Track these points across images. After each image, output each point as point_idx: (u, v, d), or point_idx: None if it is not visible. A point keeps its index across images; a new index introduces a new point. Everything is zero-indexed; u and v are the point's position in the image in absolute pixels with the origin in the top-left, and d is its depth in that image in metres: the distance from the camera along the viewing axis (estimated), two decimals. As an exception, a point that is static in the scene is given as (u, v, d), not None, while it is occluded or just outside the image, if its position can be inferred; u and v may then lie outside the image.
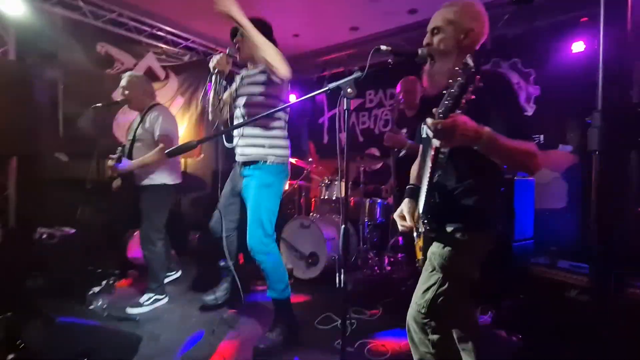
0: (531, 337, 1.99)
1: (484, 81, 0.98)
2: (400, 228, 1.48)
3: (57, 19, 3.38)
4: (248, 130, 2.05)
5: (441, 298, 1.29)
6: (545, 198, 3.35)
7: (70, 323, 1.95)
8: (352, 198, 3.80)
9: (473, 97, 0.99)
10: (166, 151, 1.37)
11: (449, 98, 1.01)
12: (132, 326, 2.23)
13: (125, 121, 3.88)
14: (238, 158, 2.15)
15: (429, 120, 1.03)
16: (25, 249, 2.76)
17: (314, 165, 4.05)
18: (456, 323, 1.46)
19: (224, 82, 2.05)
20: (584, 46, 3.10)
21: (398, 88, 2.83)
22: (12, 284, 2.35)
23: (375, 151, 4.12)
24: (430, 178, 1.19)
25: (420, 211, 1.31)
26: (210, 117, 2.08)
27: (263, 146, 2.02)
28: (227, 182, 2.31)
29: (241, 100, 2.08)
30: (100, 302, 2.47)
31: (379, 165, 4.07)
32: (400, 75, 2.83)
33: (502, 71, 1.27)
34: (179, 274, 3.14)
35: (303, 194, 4.15)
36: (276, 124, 2.07)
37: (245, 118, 2.04)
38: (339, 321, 2.31)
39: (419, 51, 1.28)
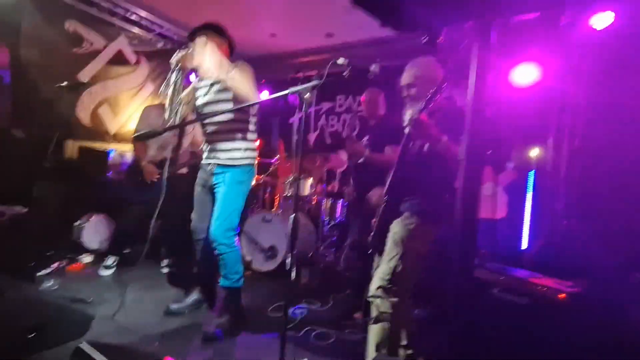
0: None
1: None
2: None
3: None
4: (223, 138, 2.14)
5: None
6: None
7: (19, 298, 1.93)
8: (314, 197, 3.96)
9: None
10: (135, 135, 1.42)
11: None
12: (84, 306, 2.23)
13: (91, 102, 3.81)
14: (212, 160, 2.20)
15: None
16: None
17: (281, 163, 4.13)
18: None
19: (182, 80, 2.04)
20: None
21: (363, 98, 2.94)
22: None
23: (342, 154, 4.27)
24: None
25: None
26: (165, 115, 2.10)
27: (239, 149, 2.15)
28: (196, 183, 2.32)
29: (211, 111, 2.13)
30: (50, 283, 2.44)
31: (344, 167, 4.24)
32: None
33: None
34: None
35: (268, 189, 4.24)
36: (250, 128, 2.19)
37: (219, 130, 2.14)
38: (291, 309, 2.45)
39: (370, 68, 1.44)
